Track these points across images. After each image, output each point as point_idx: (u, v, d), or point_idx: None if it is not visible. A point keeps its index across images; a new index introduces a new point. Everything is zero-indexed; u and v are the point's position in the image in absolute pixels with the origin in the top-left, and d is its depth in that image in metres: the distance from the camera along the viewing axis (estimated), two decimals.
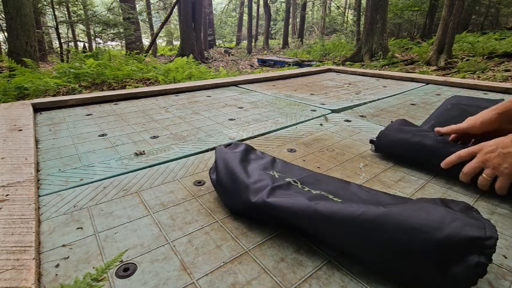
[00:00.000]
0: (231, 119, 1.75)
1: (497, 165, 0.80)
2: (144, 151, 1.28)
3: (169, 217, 0.83)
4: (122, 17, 10.88)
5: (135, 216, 0.83)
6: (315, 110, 1.92)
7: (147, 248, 0.71)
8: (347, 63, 8.97)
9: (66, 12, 11.49)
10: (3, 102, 2.80)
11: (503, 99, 1.14)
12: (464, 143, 1.04)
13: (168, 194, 0.95)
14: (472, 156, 0.87)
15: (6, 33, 5.05)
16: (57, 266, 0.65)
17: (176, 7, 11.14)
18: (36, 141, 1.39)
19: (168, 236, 0.75)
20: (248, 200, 0.75)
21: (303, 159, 1.19)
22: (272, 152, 1.26)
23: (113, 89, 3.80)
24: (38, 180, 1.03)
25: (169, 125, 1.64)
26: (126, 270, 0.64)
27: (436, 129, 1.08)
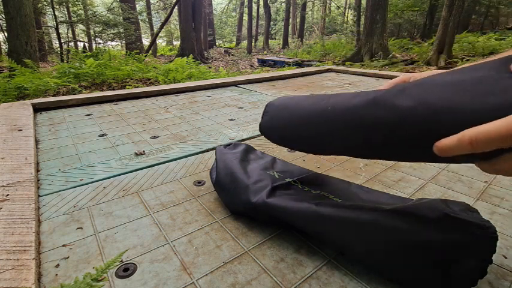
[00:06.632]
0: (231, 119, 1.75)
1: None
2: (144, 151, 1.28)
3: (169, 217, 0.83)
4: (122, 17, 10.88)
5: (135, 216, 0.83)
6: None
7: (147, 248, 0.71)
8: (347, 63, 8.97)
9: (66, 12, 11.50)
10: (3, 102, 2.80)
11: None
12: None
13: (168, 194, 0.95)
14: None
15: (6, 33, 5.05)
16: (57, 266, 0.65)
17: (176, 7, 11.15)
18: (36, 141, 1.39)
19: (168, 236, 0.75)
20: (248, 200, 0.75)
21: (303, 159, 1.19)
22: (272, 152, 1.26)
23: (113, 89, 3.80)
24: (38, 180, 1.03)
25: (169, 125, 1.64)
26: (126, 270, 0.64)
27: None
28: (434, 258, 0.55)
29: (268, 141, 1.41)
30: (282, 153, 1.25)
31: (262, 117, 0.72)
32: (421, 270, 0.56)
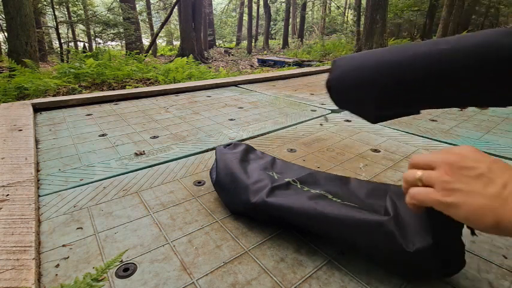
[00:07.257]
0: (231, 119, 1.75)
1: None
2: (144, 151, 1.28)
3: (169, 217, 0.83)
4: (122, 17, 10.89)
5: (135, 216, 0.83)
6: (315, 110, 1.92)
7: (147, 248, 0.71)
8: None
9: (66, 12, 11.52)
10: (3, 102, 2.80)
11: None
12: None
13: (168, 194, 0.95)
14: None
15: (6, 33, 5.06)
16: (57, 266, 0.65)
17: (176, 7, 11.15)
18: (36, 141, 1.39)
19: (168, 236, 0.75)
20: (248, 200, 0.75)
21: (303, 159, 1.19)
22: (272, 152, 1.26)
23: (113, 89, 3.80)
24: (38, 180, 1.03)
25: (169, 125, 1.64)
26: (126, 270, 0.64)
27: None
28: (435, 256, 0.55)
29: (269, 141, 1.41)
30: (282, 153, 1.25)
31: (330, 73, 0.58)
32: (421, 270, 0.56)
